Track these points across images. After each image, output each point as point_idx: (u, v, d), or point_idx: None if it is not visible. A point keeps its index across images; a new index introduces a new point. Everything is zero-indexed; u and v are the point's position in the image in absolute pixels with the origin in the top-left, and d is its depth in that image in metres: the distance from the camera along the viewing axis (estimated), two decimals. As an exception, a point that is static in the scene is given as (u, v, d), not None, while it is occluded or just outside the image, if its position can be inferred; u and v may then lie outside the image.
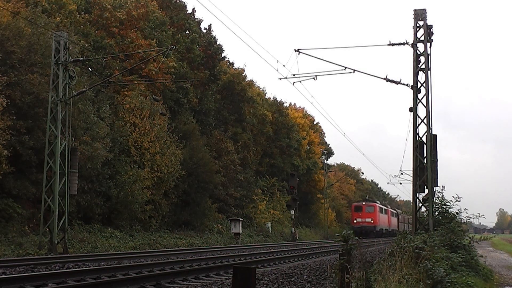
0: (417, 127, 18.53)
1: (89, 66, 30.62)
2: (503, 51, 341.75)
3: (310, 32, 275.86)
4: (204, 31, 44.25)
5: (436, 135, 18.58)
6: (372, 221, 57.63)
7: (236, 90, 48.04)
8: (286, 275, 12.74)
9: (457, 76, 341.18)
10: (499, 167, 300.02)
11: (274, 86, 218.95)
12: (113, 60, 31.97)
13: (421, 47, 18.46)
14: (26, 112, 23.20)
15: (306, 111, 69.33)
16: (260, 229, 44.81)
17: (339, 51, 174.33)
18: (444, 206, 18.13)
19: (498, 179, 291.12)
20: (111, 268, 12.96)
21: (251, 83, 52.27)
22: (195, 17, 43.36)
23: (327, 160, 72.31)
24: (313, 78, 19.94)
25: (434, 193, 18.40)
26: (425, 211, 18.65)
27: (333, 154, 77.63)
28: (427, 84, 18.41)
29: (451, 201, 17.82)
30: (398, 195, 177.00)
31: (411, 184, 19.10)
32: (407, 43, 18.53)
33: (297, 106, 69.26)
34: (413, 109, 18.50)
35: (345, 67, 19.43)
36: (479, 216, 17.69)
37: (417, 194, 18.53)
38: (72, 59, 22.08)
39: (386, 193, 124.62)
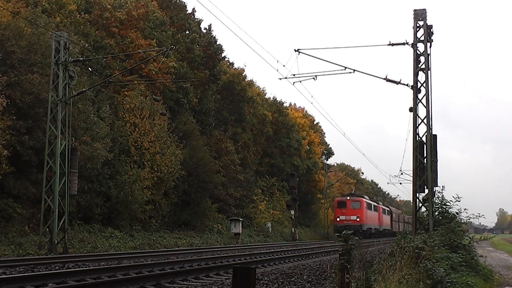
0: (417, 127, 18.53)
1: (89, 66, 30.63)
2: (503, 50, 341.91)
3: (310, 32, 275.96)
4: (204, 31, 44.25)
5: (436, 135, 18.58)
6: (358, 219, 50.18)
7: (236, 90, 48.05)
8: (286, 275, 12.74)
9: (457, 76, 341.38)
10: (499, 167, 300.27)
11: (274, 86, 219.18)
12: (113, 60, 31.97)
13: (421, 47, 18.46)
14: (26, 112, 23.20)
15: (306, 111, 69.40)
16: (260, 229, 44.82)
17: (339, 51, 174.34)
18: (444, 206, 18.13)
19: (498, 179, 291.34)
20: (111, 268, 12.96)
21: (251, 83, 52.28)
22: (195, 17, 43.38)
23: (327, 160, 72.36)
24: (313, 78, 19.94)
25: (434, 193, 18.40)
26: (425, 211, 18.64)
27: (333, 154, 77.70)
28: (427, 84, 18.41)
29: (451, 201, 17.83)
30: (398, 195, 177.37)
31: (411, 184, 19.10)
32: (407, 43, 18.53)
33: (297, 106, 69.34)
34: (413, 109, 18.50)
35: (345, 67, 19.44)
36: (479, 216, 17.70)
37: (417, 194, 18.53)
38: (72, 59, 22.08)
39: (386, 193, 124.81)
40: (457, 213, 17.73)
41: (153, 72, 33.28)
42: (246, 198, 45.57)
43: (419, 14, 18.37)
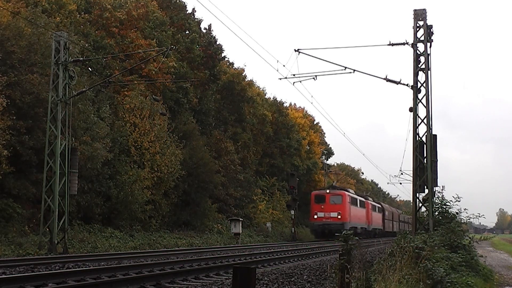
0: (417, 127, 18.54)
1: (89, 66, 30.63)
2: (503, 50, 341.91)
3: (310, 32, 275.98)
4: (204, 31, 44.24)
5: (436, 135, 18.59)
6: (339, 217, 42.85)
7: (236, 90, 48.05)
8: (286, 275, 12.74)
9: (457, 76, 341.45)
10: (499, 167, 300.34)
11: (274, 86, 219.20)
12: (113, 60, 31.97)
13: (421, 47, 18.46)
14: (26, 112, 23.20)
15: (306, 111, 69.38)
16: (260, 229, 44.80)
17: (339, 51, 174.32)
18: (444, 206, 18.14)
19: (498, 179, 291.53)
20: (111, 268, 12.96)
21: (251, 83, 52.27)
22: (195, 17, 43.38)
23: (327, 160, 72.40)
24: (313, 78, 19.96)
25: (434, 193, 18.41)
26: (425, 211, 18.65)
27: (333, 154, 77.76)
28: (427, 84, 18.41)
29: (451, 201, 17.86)
30: (398, 195, 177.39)
31: (411, 184, 19.10)
32: (407, 43, 18.54)
33: (297, 106, 69.32)
34: (413, 109, 18.51)
35: (345, 67, 19.45)
36: (479, 216, 17.74)
37: (417, 194, 18.54)
38: (72, 59, 22.09)
39: (386, 193, 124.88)
40: (457, 213, 17.77)
41: (153, 72, 33.29)
42: (246, 198, 45.57)
43: (419, 14, 18.37)
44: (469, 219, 17.98)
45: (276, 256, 19.50)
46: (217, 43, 44.51)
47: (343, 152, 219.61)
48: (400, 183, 51.79)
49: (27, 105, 23.15)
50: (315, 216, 43.75)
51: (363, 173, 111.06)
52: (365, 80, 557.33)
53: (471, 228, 62.60)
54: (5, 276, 10.84)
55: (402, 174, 40.38)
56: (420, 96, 18.53)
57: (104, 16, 32.71)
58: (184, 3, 43.29)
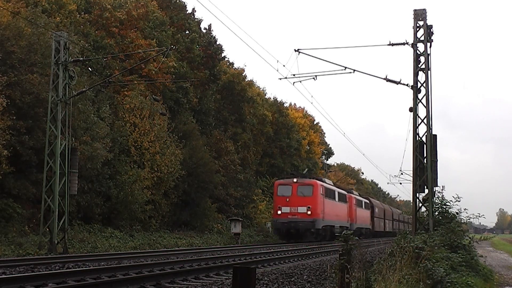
0: (417, 127, 18.54)
1: (89, 66, 30.63)
2: (503, 50, 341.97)
3: (310, 32, 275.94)
4: (204, 31, 44.25)
5: (436, 135, 18.59)
6: (308, 212, 34.73)
7: (236, 90, 48.05)
8: (286, 275, 12.74)
9: (457, 76, 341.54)
10: (499, 167, 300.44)
11: (274, 86, 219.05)
12: (113, 60, 31.98)
13: (421, 47, 18.47)
14: (26, 112, 23.20)
15: (306, 111, 69.47)
16: (260, 229, 44.80)
17: (339, 51, 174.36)
18: (444, 206, 18.15)
19: (498, 179, 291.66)
20: (111, 268, 12.95)
21: (251, 83, 52.30)
22: (195, 17, 43.39)
23: (327, 160, 72.52)
24: (313, 78, 19.96)
25: (434, 193, 18.42)
26: (425, 211, 18.65)
27: (333, 154, 77.88)
28: (427, 84, 18.41)
29: (451, 201, 17.87)
30: (398, 195, 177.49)
31: (411, 184, 19.11)
32: (407, 43, 18.54)
33: (297, 106, 69.43)
34: (413, 109, 18.51)
35: (345, 67, 19.46)
36: (479, 216, 17.75)
37: (417, 194, 18.54)
38: (72, 59, 22.08)
39: (386, 193, 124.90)
40: (457, 213, 17.77)
41: (153, 72, 33.29)
42: (246, 198, 45.56)
43: (419, 14, 18.38)
44: (469, 219, 18.01)
45: (276, 256, 19.49)
46: (217, 43, 44.54)
47: (343, 152, 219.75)
48: (400, 183, 51.60)
49: (27, 105, 23.15)
50: (279, 212, 35.36)
51: (363, 173, 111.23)
52: (365, 80, 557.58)
53: (471, 228, 61.11)
54: (5, 276, 10.84)
55: (402, 174, 40.38)
56: (420, 96, 18.53)
57: (104, 16, 32.71)
58: (184, 3, 43.35)
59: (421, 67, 18.50)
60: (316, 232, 35.20)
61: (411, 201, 19.44)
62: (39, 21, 24.51)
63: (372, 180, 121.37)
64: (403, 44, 18.60)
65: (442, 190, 18.84)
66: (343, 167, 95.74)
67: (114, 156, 28.86)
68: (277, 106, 58.12)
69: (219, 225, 39.07)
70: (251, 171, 49.27)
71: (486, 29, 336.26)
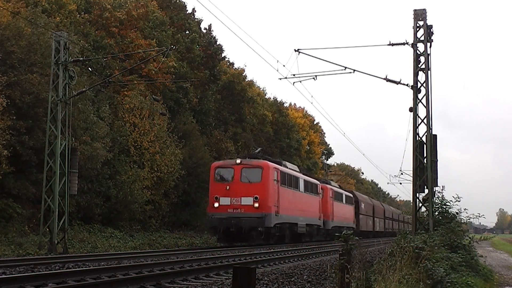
0: (417, 127, 18.53)
1: (89, 66, 30.61)
2: (503, 50, 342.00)
3: (310, 32, 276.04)
4: (204, 31, 44.26)
5: (436, 135, 18.58)
6: (256, 205, 25.51)
7: (236, 90, 48.05)
8: (286, 275, 12.73)
9: (457, 76, 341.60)
10: (499, 167, 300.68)
11: (274, 86, 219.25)
12: (113, 60, 31.97)
13: (421, 47, 18.46)
14: (26, 112, 23.20)
15: (306, 111, 69.49)
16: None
17: (339, 51, 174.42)
18: (444, 206, 18.15)
19: (498, 179, 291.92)
20: (111, 268, 12.94)
21: (251, 83, 52.29)
22: (195, 17, 43.40)
23: (327, 160, 72.49)
24: (313, 78, 19.95)
25: (434, 193, 18.41)
26: (425, 211, 18.65)
27: (333, 154, 77.87)
28: (427, 84, 18.41)
29: (451, 201, 17.87)
30: (398, 195, 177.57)
31: (411, 184, 19.10)
32: (407, 43, 18.53)
33: (297, 106, 69.45)
34: (413, 109, 18.51)
35: (345, 67, 19.44)
36: (479, 216, 17.76)
37: (417, 194, 18.54)
38: (72, 59, 22.07)
39: (386, 193, 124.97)
40: (457, 213, 17.77)
41: (153, 72, 33.29)
42: (246, 198, 45.51)
43: (419, 14, 18.37)
44: (469, 219, 18.01)
45: (276, 256, 19.48)
46: (217, 43, 44.54)
47: (343, 152, 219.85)
48: (400, 183, 51.41)
49: (27, 105, 23.15)
50: (216, 205, 25.97)
51: (363, 173, 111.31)
52: (365, 80, 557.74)
53: (471, 228, 60.16)
54: (5, 276, 10.83)
55: (402, 174, 40.29)
56: (420, 96, 18.53)
57: (104, 16, 32.71)
58: (184, 3, 43.35)
59: (421, 67, 18.49)
60: (266, 231, 26.00)
61: (411, 201, 19.43)
62: (39, 21, 24.51)
63: (372, 180, 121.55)
64: (403, 44, 18.59)
65: (442, 190, 18.86)
66: (343, 167, 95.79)
67: (114, 156, 28.87)
68: (277, 106, 58.12)
69: (219, 225, 39.02)
70: (251, 171, 49.18)
71: (486, 29, 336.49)
